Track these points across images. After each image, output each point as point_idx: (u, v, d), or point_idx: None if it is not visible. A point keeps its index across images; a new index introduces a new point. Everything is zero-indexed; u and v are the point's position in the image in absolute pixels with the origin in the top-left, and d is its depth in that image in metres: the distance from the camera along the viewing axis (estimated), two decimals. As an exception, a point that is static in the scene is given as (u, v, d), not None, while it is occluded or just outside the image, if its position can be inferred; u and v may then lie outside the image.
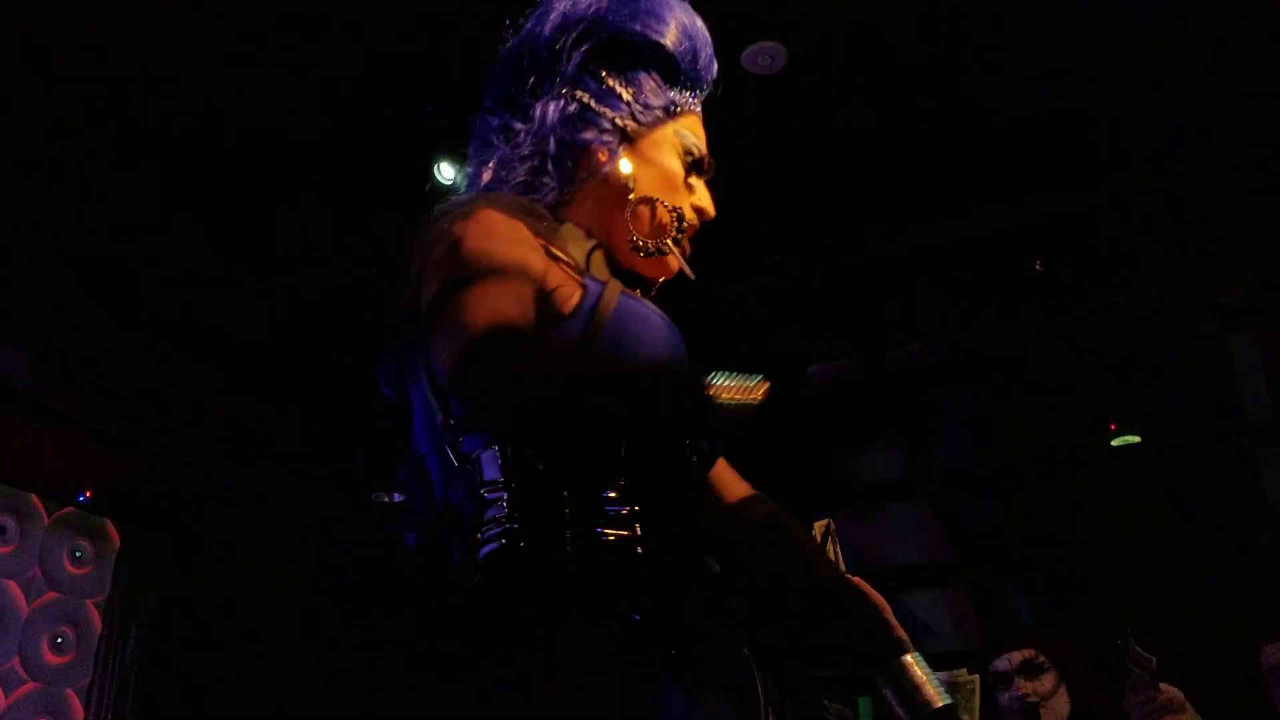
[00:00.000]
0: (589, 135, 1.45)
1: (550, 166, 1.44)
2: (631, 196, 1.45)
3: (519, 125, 1.47)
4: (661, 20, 1.49)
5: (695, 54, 1.51)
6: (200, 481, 4.97)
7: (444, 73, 3.26)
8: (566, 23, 1.48)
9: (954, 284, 4.24)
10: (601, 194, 1.47)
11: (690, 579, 1.28)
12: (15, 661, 5.48)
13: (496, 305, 1.19)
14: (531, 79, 1.49)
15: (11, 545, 5.54)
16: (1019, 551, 5.41)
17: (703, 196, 1.53)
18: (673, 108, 1.50)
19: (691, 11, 1.54)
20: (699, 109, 1.55)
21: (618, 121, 1.46)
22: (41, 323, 3.96)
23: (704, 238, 1.55)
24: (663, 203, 1.46)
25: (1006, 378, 5.09)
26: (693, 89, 1.53)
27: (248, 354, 4.61)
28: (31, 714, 5.49)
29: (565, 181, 1.45)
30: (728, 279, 3.84)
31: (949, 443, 5.05)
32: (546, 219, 1.41)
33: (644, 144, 1.48)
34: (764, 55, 3.12)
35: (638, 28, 1.48)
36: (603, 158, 1.46)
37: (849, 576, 2.20)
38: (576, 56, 1.48)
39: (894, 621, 2.27)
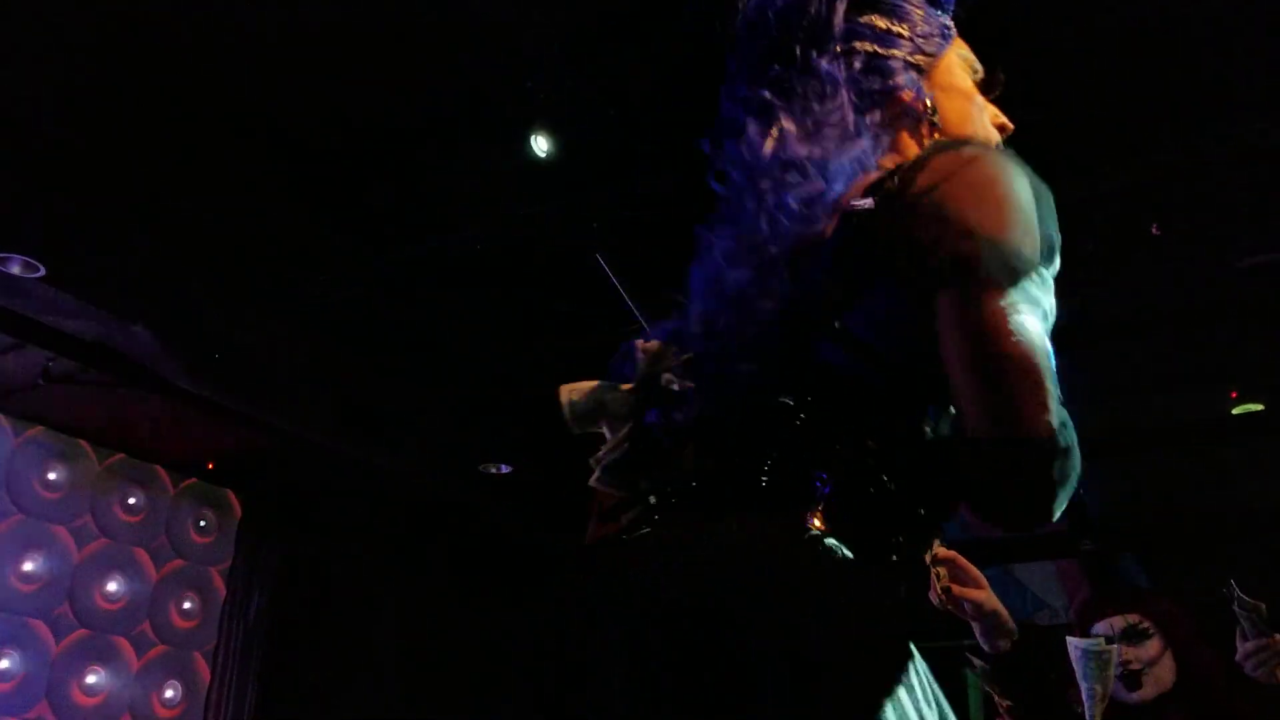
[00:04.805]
0: (888, 82, 1.33)
1: (855, 129, 1.29)
2: (943, 131, 1.34)
3: (799, 95, 1.32)
4: None
5: None
6: (317, 453, 5.10)
7: (541, 44, 3.27)
8: None
9: (1067, 249, 4.12)
10: (917, 138, 1.35)
11: None
12: (146, 625, 5.74)
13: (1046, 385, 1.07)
14: (796, 47, 1.35)
15: (140, 515, 5.79)
16: (1134, 522, 5.28)
17: (997, 113, 1.44)
18: (947, 31, 1.40)
19: None
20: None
21: (908, 59, 1.35)
22: (165, 304, 4.10)
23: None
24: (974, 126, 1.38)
25: (1121, 344, 4.94)
26: (945, 12, 1.42)
27: (362, 329, 4.71)
28: (162, 675, 5.75)
29: (875, 138, 1.30)
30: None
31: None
32: None
33: (937, 74, 1.38)
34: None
35: None
36: (908, 97, 1.34)
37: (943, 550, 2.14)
38: (840, 8, 1.36)
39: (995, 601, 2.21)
